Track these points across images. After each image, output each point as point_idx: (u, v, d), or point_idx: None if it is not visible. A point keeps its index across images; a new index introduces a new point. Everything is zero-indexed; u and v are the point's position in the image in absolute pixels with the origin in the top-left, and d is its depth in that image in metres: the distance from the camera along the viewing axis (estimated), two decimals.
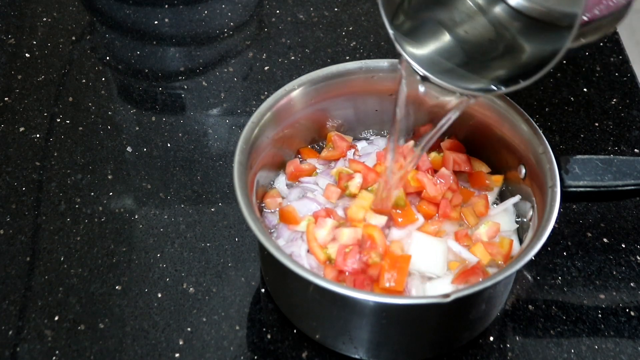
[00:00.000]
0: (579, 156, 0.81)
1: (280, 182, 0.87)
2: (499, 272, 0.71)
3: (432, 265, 0.79)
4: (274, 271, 0.80)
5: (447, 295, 0.68)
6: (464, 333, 0.80)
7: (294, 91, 0.83)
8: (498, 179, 0.86)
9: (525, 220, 0.82)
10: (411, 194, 0.83)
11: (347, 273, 0.77)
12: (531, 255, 0.71)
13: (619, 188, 0.81)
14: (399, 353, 0.79)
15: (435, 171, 0.85)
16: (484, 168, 0.87)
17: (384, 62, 0.86)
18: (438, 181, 0.83)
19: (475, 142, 0.88)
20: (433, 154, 0.87)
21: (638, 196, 0.92)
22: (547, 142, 0.79)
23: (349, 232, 0.78)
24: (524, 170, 0.82)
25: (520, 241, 0.83)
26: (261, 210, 0.85)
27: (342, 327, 0.76)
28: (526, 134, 0.81)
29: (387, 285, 0.75)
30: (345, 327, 0.76)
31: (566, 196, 0.79)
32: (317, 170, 0.88)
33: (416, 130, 0.85)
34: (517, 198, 0.83)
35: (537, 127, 0.80)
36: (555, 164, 0.77)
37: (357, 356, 0.78)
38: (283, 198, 0.86)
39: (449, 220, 0.82)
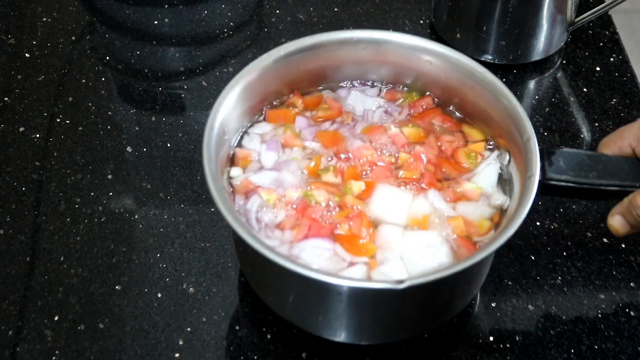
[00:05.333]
0: (565, 149, 0.78)
1: (253, 140, 0.85)
2: (458, 263, 0.69)
3: (390, 213, 0.77)
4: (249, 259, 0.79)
5: (400, 282, 0.66)
6: (429, 319, 0.78)
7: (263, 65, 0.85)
8: (479, 146, 0.83)
9: (503, 209, 0.80)
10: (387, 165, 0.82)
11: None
12: (496, 246, 0.69)
13: (602, 187, 0.77)
14: (365, 334, 0.78)
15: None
16: (477, 135, 0.84)
17: (353, 33, 0.85)
18: (411, 160, 0.81)
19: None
20: (409, 128, 0.83)
21: (620, 198, 0.82)
22: (533, 130, 0.76)
23: (322, 194, 0.78)
24: (507, 157, 0.80)
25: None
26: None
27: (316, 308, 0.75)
28: (513, 121, 0.78)
29: (343, 232, 0.75)
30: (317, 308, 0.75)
31: (545, 189, 0.76)
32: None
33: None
34: (496, 153, 0.81)
35: (525, 114, 0.78)
36: (537, 154, 0.74)
37: (339, 339, 0.77)
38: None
39: (435, 188, 0.80)
